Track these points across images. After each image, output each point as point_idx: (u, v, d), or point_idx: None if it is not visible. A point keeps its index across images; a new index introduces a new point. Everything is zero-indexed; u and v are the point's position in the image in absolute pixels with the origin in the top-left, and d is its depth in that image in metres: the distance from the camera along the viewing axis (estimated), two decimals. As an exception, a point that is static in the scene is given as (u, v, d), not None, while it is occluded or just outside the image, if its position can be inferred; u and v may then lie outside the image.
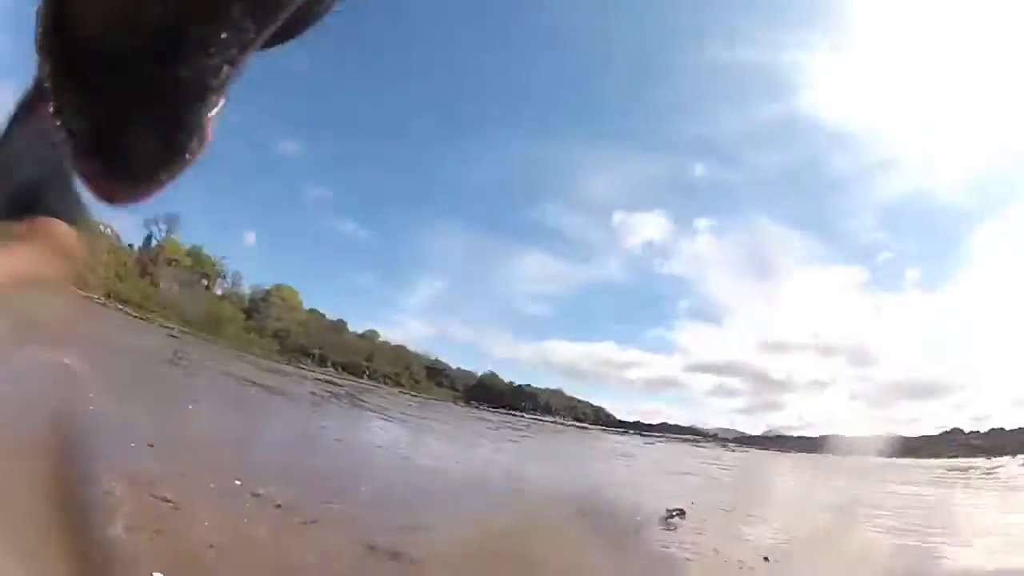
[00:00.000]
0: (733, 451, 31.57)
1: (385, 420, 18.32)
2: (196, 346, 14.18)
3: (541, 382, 38.65)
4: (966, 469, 25.58)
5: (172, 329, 17.57)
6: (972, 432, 28.95)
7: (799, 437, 31.52)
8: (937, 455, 25.60)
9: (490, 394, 34.76)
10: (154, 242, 21.58)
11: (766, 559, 7.58)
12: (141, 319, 16.93)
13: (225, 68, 0.55)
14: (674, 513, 9.80)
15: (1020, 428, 28.51)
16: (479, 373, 36.88)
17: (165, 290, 21.08)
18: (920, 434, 28.18)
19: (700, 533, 9.05)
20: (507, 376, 37.36)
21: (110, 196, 0.56)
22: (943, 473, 24.11)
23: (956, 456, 26.45)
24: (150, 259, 20.94)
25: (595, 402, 40.67)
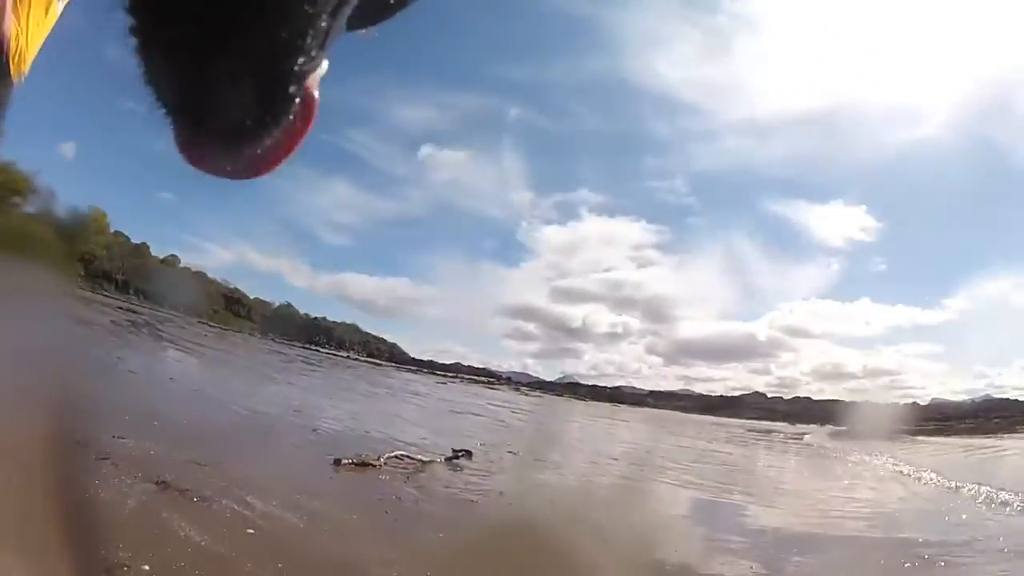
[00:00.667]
0: (526, 395, 33.81)
1: (181, 352, 17.69)
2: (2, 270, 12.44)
3: (337, 316, 38.75)
4: (768, 432, 27.94)
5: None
6: (775, 398, 32.71)
7: (593, 386, 34.82)
8: (736, 416, 27.34)
9: (286, 327, 34.46)
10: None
11: (553, 504, 7.34)
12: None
13: (325, 22, 0.47)
14: (460, 454, 9.79)
15: (826, 400, 32.66)
16: (276, 304, 36.12)
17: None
18: (718, 394, 31.60)
19: (486, 475, 8.90)
20: (303, 308, 36.93)
21: (204, 165, 0.51)
22: (743, 433, 26.77)
23: (756, 419, 28.75)
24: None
25: (389, 338, 41.73)
